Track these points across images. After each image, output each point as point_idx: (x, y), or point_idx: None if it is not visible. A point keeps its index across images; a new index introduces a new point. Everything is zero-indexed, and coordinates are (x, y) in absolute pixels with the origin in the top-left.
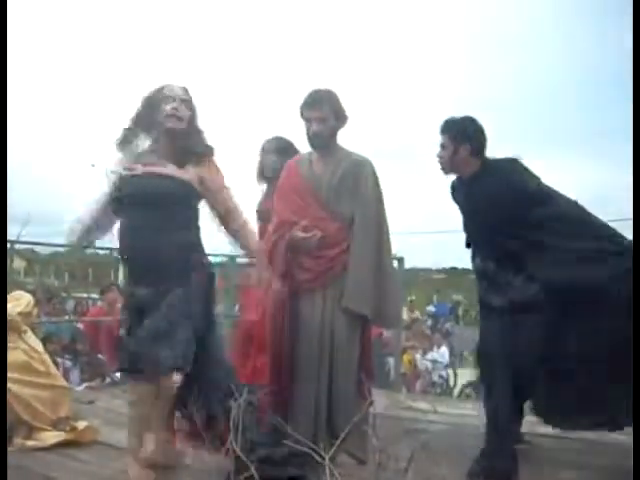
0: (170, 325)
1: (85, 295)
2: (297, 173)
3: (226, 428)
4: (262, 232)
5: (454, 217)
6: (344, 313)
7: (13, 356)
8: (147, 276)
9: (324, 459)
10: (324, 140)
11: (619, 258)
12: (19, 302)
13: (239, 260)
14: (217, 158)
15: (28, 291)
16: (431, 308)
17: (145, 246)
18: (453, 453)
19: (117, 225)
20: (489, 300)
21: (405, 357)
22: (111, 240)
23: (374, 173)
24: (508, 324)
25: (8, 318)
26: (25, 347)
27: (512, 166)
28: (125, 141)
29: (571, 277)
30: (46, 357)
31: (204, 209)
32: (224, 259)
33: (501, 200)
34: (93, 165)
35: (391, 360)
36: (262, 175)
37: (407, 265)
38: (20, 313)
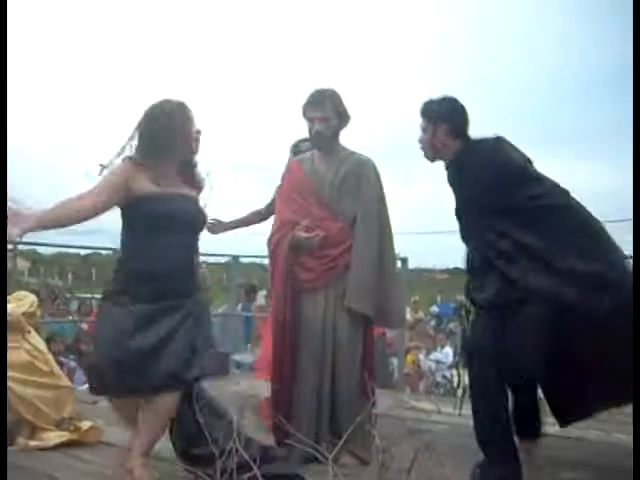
0: (191, 340)
1: (89, 295)
2: (299, 173)
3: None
4: None
5: None
6: (346, 313)
7: (16, 356)
8: (168, 292)
9: (327, 459)
10: (326, 140)
11: (617, 290)
12: (23, 302)
13: (242, 260)
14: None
15: (32, 291)
16: (435, 308)
17: (176, 265)
18: (457, 454)
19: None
20: (474, 296)
21: (409, 357)
22: (114, 241)
23: (376, 173)
24: (488, 324)
25: (12, 318)
26: (28, 347)
27: (496, 144)
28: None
29: (559, 295)
30: (50, 357)
31: None
32: (228, 259)
33: (484, 181)
34: (102, 165)
35: (395, 360)
36: None
37: (411, 265)
38: (24, 313)
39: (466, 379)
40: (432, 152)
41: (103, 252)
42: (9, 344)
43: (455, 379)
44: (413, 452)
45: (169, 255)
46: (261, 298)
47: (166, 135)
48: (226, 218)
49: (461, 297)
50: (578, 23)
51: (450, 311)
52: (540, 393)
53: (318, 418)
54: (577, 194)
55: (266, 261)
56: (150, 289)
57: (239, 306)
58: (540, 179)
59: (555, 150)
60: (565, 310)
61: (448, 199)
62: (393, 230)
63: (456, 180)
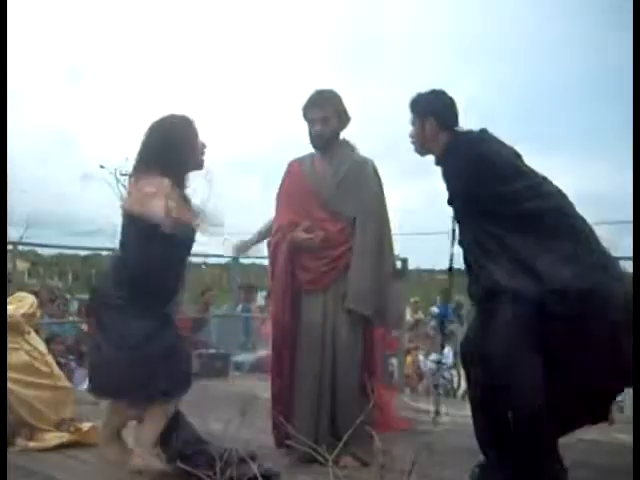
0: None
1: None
2: (299, 174)
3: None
4: None
5: None
6: (346, 314)
7: (16, 357)
8: (170, 304)
9: (327, 460)
10: (326, 140)
11: (588, 298)
12: (23, 303)
13: (242, 261)
14: None
15: (32, 292)
16: (435, 309)
17: (179, 281)
18: (457, 454)
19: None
20: (469, 293)
21: (409, 358)
22: (114, 242)
23: (376, 173)
24: (473, 324)
25: (12, 319)
26: (28, 348)
27: (481, 136)
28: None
29: (532, 297)
30: (49, 358)
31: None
32: (228, 260)
33: (463, 175)
34: (102, 167)
35: (394, 361)
36: None
37: (410, 266)
38: (23, 314)
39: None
40: (422, 146)
41: (103, 253)
42: (9, 345)
43: (455, 380)
44: (413, 453)
45: (178, 272)
46: (261, 299)
47: (185, 150)
48: (226, 217)
49: (460, 297)
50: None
51: (450, 312)
52: None
53: (318, 419)
54: (577, 194)
55: (266, 262)
56: (159, 302)
57: (239, 307)
58: (525, 174)
59: (555, 150)
60: (539, 314)
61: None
62: (393, 230)
63: (443, 176)
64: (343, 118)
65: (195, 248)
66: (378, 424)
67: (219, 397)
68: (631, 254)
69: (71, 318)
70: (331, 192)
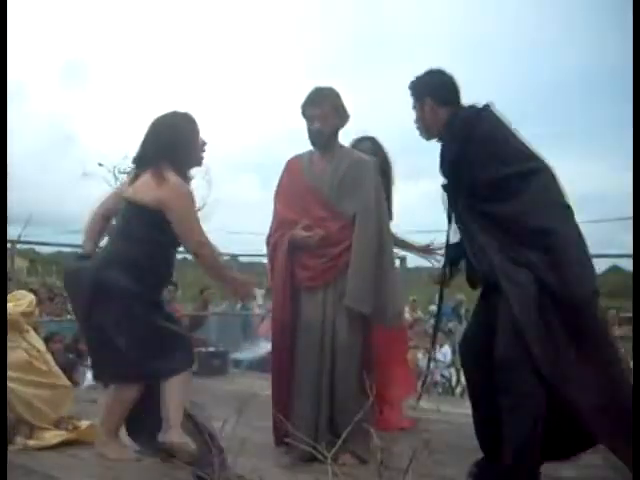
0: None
1: None
2: (298, 172)
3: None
4: None
5: None
6: (346, 312)
7: (15, 355)
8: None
9: (326, 458)
10: (325, 138)
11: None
12: (21, 302)
13: (241, 259)
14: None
15: (30, 291)
16: (433, 307)
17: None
18: (455, 452)
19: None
20: (467, 279)
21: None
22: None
23: (376, 172)
24: (478, 321)
25: (10, 318)
26: (27, 346)
27: (478, 114)
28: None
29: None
30: (48, 356)
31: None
32: (227, 259)
33: (456, 155)
34: (100, 164)
35: None
36: None
37: (409, 264)
38: (22, 313)
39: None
40: (426, 130)
41: None
42: (7, 343)
43: (454, 378)
44: (411, 451)
45: (173, 259)
46: (260, 297)
47: (190, 146)
48: (225, 217)
49: (460, 296)
50: (579, 24)
51: (449, 310)
52: None
53: (317, 417)
54: (577, 193)
55: (265, 260)
56: (161, 292)
57: (238, 305)
58: (516, 160)
59: (556, 149)
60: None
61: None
62: (392, 229)
63: (440, 154)
64: (342, 116)
65: None
66: (380, 422)
67: (218, 395)
68: (631, 251)
69: (69, 316)
70: (331, 190)
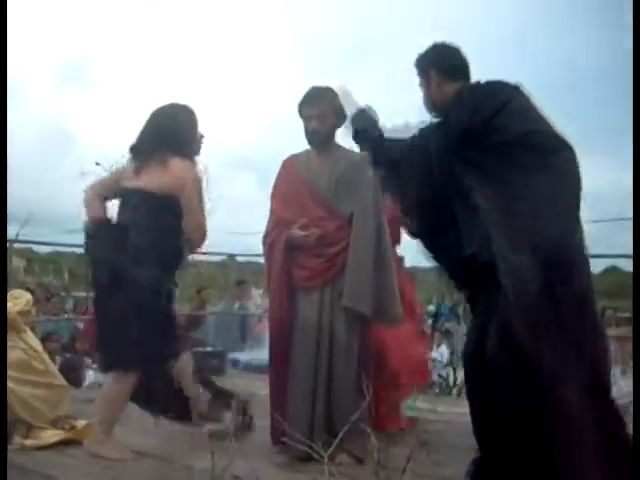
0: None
1: (84, 294)
2: (295, 171)
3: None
4: None
5: None
6: (343, 311)
7: (12, 355)
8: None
9: (323, 458)
10: (322, 138)
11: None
12: (18, 301)
13: (239, 259)
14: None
15: (27, 290)
16: (431, 307)
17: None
18: (453, 452)
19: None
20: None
21: None
22: None
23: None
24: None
25: (8, 317)
26: (24, 346)
27: (493, 87)
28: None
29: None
30: (45, 356)
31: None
32: (224, 258)
33: (441, 132)
34: (98, 164)
35: None
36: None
37: (407, 264)
38: (19, 312)
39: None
40: (433, 107)
41: None
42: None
43: (451, 378)
44: (409, 450)
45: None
46: (257, 297)
47: (190, 135)
48: (223, 216)
49: (458, 296)
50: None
51: (447, 310)
52: None
53: (313, 417)
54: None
55: (262, 259)
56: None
57: (236, 305)
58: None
59: None
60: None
61: None
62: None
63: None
64: (340, 115)
65: None
66: (377, 422)
67: None
68: (629, 251)
69: (67, 316)
70: (328, 189)
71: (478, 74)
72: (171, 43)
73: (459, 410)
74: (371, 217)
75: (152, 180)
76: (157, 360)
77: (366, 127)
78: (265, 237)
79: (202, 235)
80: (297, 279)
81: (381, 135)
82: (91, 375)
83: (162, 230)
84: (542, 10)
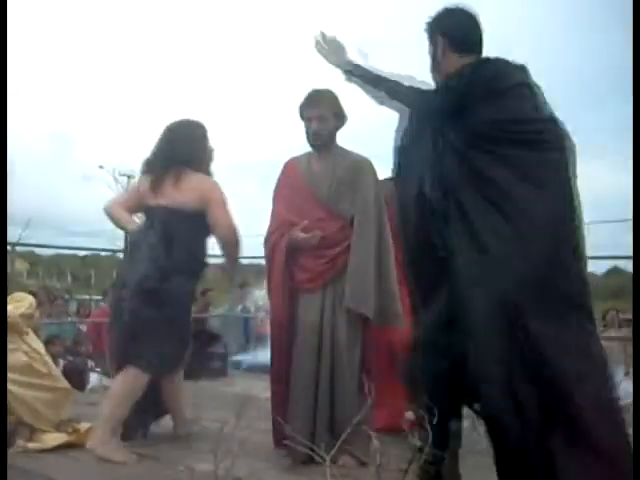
0: None
1: (87, 297)
2: (296, 173)
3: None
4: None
5: None
6: (345, 313)
7: (15, 358)
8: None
9: (325, 460)
10: (323, 139)
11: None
12: (21, 304)
13: (242, 261)
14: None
15: (30, 293)
16: None
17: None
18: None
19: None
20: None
21: None
22: (113, 243)
23: (374, 172)
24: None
25: (10, 320)
26: (27, 349)
27: (500, 70)
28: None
29: None
30: (48, 359)
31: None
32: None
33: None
34: (101, 167)
35: None
36: None
37: None
38: (22, 315)
39: None
40: (438, 74)
41: (102, 254)
42: (7, 345)
43: None
44: (410, 452)
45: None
46: (260, 298)
47: (203, 153)
48: None
49: None
50: (577, 23)
51: None
52: None
53: (315, 419)
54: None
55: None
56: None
57: (239, 307)
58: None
59: None
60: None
61: None
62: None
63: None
64: (340, 117)
65: None
66: (379, 424)
67: (217, 397)
68: (631, 253)
69: (70, 318)
70: (329, 191)
71: None
72: (174, 48)
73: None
74: (372, 218)
75: (175, 197)
76: (174, 366)
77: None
78: (267, 239)
79: (235, 234)
80: (298, 281)
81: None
82: (94, 378)
83: (192, 243)
84: (542, 10)
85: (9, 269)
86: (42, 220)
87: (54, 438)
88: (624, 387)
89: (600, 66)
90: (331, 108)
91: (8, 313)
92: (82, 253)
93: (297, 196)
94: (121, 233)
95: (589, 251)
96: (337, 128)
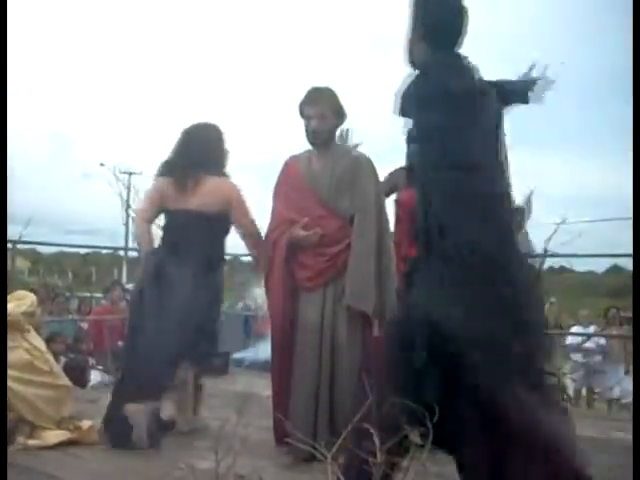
0: None
1: (88, 294)
2: (296, 171)
3: None
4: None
5: None
6: (345, 311)
7: (16, 355)
8: None
9: (326, 458)
10: (323, 137)
11: None
12: (22, 302)
13: (244, 259)
14: None
15: (31, 291)
16: None
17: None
18: None
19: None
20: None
21: None
22: (114, 240)
23: (373, 170)
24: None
25: (11, 318)
26: (28, 346)
27: (454, 71)
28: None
29: None
30: (49, 356)
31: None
32: (228, 258)
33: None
34: (102, 164)
35: None
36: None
37: None
38: (23, 313)
39: None
40: (410, 58)
41: (103, 251)
42: (8, 343)
43: None
44: (411, 449)
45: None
46: (260, 296)
47: (221, 156)
48: None
49: None
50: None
51: None
52: None
53: (316, 417)
54: (577, 194)
55: None
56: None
57: (239, 304)
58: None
59: (553, 148)
60: None
61: None
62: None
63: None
64: (340, 115)
65: None
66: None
67: (219, 395)
68: (631, 251)
69: (71, 316)
70: (329, 189)
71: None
72: (174, 47)
73: None
74: (372, 216)
75: (196, 201)
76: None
77: None
78: (267, 237)
79: (255, 227)
80: (299, 279)
81: None
82: (95, 375)
83: (215, 245)
84: (539, 11)
85: (10, 267)
86: (43, 218)
87: (55, 435)
88: (624, 385)
89: (600, 66)
90: (331, 106)
91: (9, 311)
92: (83, 251)
93: (297, 194)
94: (121, 231)
95: (590, 249)
96: (337, 126)
